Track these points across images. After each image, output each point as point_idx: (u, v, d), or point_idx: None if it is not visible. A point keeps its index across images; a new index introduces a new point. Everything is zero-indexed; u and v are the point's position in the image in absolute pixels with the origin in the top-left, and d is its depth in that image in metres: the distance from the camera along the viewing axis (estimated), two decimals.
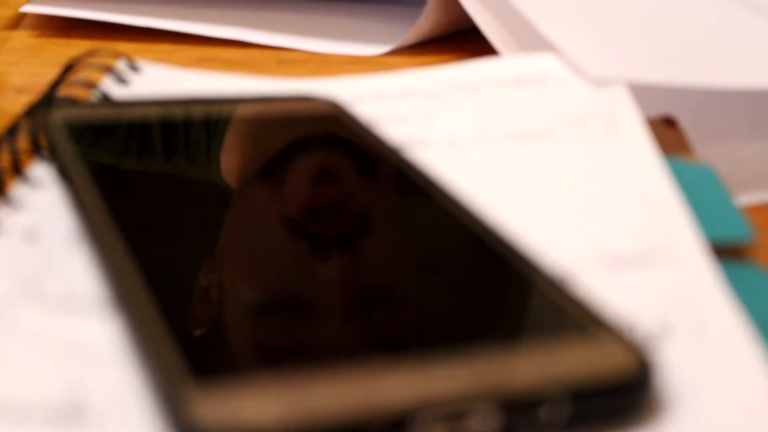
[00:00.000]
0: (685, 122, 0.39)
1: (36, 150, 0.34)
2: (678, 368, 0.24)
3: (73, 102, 0.38)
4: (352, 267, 0.29)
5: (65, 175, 0.31)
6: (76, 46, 0.46)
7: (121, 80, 0.41)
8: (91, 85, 0.40)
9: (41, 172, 0.33)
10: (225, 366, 0.24)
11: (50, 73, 0.41)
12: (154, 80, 0.42)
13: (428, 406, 0.21)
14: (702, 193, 0.33)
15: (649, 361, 0.23)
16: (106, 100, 0.39)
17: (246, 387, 0.21)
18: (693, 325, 0.26)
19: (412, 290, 0.28)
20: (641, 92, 0.39)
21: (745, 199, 0.37)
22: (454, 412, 0.21)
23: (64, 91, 0.39)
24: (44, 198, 0.31)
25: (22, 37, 0.55)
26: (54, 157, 0.32)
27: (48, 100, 0.38)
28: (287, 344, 0.25)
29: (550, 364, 0.22)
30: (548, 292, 0.25)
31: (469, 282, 0.28)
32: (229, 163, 0.35)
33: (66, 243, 0.29)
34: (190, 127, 0.36)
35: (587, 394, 0.22)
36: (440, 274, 0.29)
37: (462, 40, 0.55)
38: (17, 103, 0.39)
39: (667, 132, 0.39)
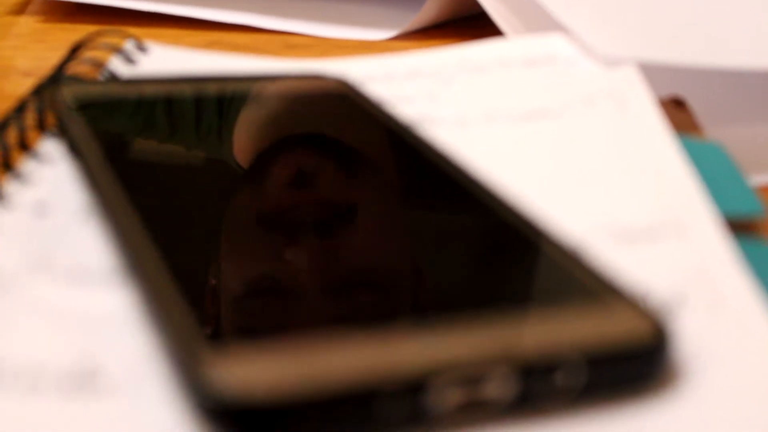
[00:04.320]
0: (695, 103, 0.39)
1: (43, 127, 0.34)
2: (693, 339, 0.24)
3: (80, 80, 0.38)
4: (364, 236, 0.29)
5: (75, 149, 0.31)
6: (82, 31, 0.46)
7: (129, 60, 0.41)
8: (98, 64, 0.40)
9: (49, 148, 0.33)
10: (239, 330, 0.23)
11: (56, 58, 0.41)
12: (162, 61, 0.42)
13: (444, 369, 0.21)
14: (713, 169, 0.33)
15: (665, 329, 0.23)
16: (114, 78, 0.39)
17: (262, 352, 0.21)
18: (708, 297, 0.26)
19: (427, 258, 0.28)
20: (650, 72, 0.39)
21: (755, 179, 0.37)
22: (471, 376, 0.21)
23: (72, 71, 0.39)
24: (53, 173, 0.31)
25: (28, 22, 0.55)
26: (63, 132, 0.32)
27: (56, 78, 0.38)
28: (303, 312, 0.25)
29: (566, 330, 0.22)
30: (562, 261, 0.25)
31: (484, 251, 0.28)
32: (240, 141, 0.35)
33: (76, 216, 0.29)
34: (200, 104, 0.36)
35: (603, 359, 0.22)
36: (457, 243, 0.29)
37: (468, 25, 0.54)
38: (23, 87, 0.39)
39: (677, 112, 0.38)
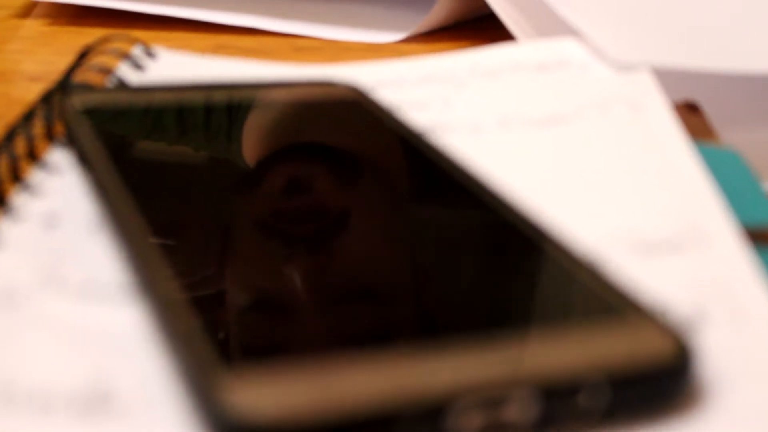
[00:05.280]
0: (708, 107, 0.38)
1: (51, 136, 0.33)
2: (716, 356, 0.24)
3: (89, 87, 0.38)
4: (371, 248, 0.28)
5: (84, 159, 0.31)
6: (88, 35, 0.46)
7: (138, 66, 0.40)
8: (106, 71, 0.40)
9: (58, 157, 0.32)
10: (258, 351, 0.23)
11: (63, 62, 0.40)
12: (171, 66, 0.41)
13: (465, 392, 0.20)
14: (730, 177, 0.33)
15: (689, 347, 0.22)
16: (123, 85, 0.38)
17: (279, 374, 0.20)
18: (730, 311, 0.25)
19: (441, 272, 0.28)
20: (663, 76, 0.38)
21: None
22: (492, 398, 0.20)
23: (80, 77, 0.39)
24: (62, 183, 0.31)
25: (34, 26, 0.55)
26: (72, 141, 0.32)
27: (63, 86, 0.38)
28: (319, 332, 0.24)
29: (587, 349, 0.22)
30: (581, 275, 0.25)
31: (501, 267, 0.27)
32: (251, 150, 0.35)
33: (86, 228, 0.28)
34: (211, 112, 0.36)
35: (627, 380, 0.21)
36: (473, 259, 0.28)
37: (478, 27, 0.54)
38: (30, 92, 0.38)
39: (691, 117, 0.38)
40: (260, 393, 0.20)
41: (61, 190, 0.30)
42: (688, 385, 0.22)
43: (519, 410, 0.21)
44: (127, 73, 0.40)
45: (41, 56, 0.50)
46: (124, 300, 0.25)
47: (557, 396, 0.21)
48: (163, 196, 0.30)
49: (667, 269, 0.27)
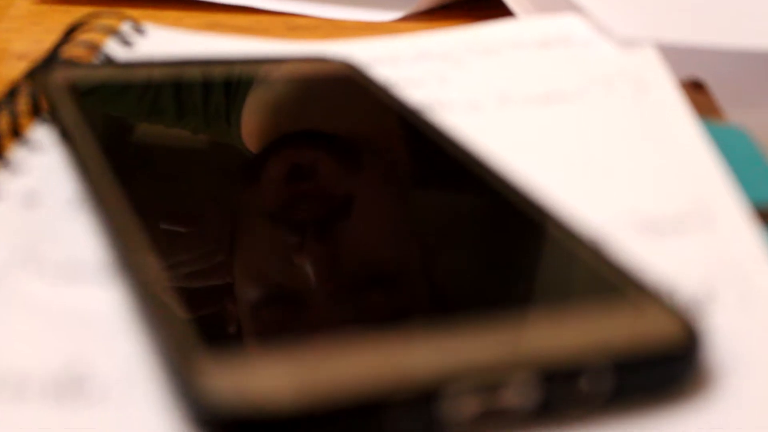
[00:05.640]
0: (714, 85, 0.38)
1: (36, 113, 0.32)
2: (725, 338, 0.22)
3: (74, 63, 0.36)
4: (372, 231, 0.27)
5: (67, 136, 0.30)
6: (79, 13, 0.44)
7: (126, 43, 0.39)
8: (94, 47, 0.38)
9: (41, 135, 0.31)
10: (238, 336, 0.22)
11: (52, 40, 0.39)
12: (160, 43, 0.40)
13: (459, 376, 0.19)
14: (737, 156, 0.31)
15: (697, 329, 0.21)
16: (109, 61, 0.37)
17: (262, 357, 0.19)
18: (739, 292, 0.24)
19: (440, 253, 0.26)
20: (668, 53, 0.37)
21: None
22: (489, 383, 0.19)
23: (67, 54, 0.38)
24: (45, 161, 0.30)
25: (23, 4, 0.53)
26: (55, 118, 0.31)
27: (50, 62, 0.36)
28: (310, 315, 0.23)
29: (591, 332, 0.21)
30: (584, 256, 0.24)
31: (500, 245, 0.26)
32: (246, 131, 0.33)
33: (67, 207, 0.27)
34: (200, 90, 0.35)
35: (632, 363, 0.20)
36: (471, 237, 0.27)
37: (477, 6, 0.53)
38: (18, 70, 0.37)
39: (696, 95, 0.37)
40: (242, 379, 0.19)
41: (43, 168, 0.29)
42: (696, 370, 0.21)
43: (518, 395, 0.19)
44: (115, 49, 0.39)
45: (31, 35, 0.49)
46: (104, 281, 0.24)
47: (558, 380, 0.20)
48: (147, 175, 0.29)
49: (674, 249, 0.26)
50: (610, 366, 0.20)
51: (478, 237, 0.27)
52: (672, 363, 0.21)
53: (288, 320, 0.23)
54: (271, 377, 0.19)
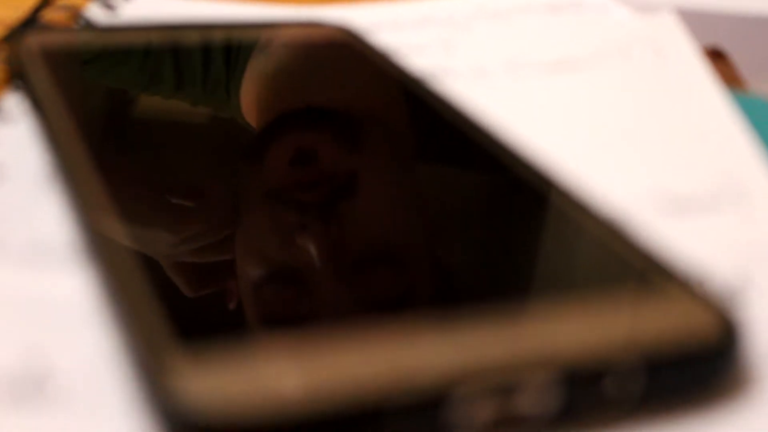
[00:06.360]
0: (736, 54, 0.36)
1: (11, 81, 0.30)
2: (765, 330, 0.20)
3: (49, 28, 0.34)
4: (374, 209, 0.25)
5: (38, 106, 0.27)
6: None
7: (108, 6, 0.37)
8: (75, 11, 0.36)
9: (12, 104, 0.29)
10: (219, 331, 0.19)
11: (31, 5, 0.37)
12: (145, 8, 0.38)
13: (470, 378, 0.17)
14: (762, 126, 0.29)
15: (734, 322, 0.19)
16: (89, 26, 0.35)
17: (245, 357, 0.17)
18: None
19: (447, 236, 0.24)
20: (686, 20, 0.36)
21: None
22: (503, 385, 0.17)
23: (47, 18, 0.35)
24: (13, 132, 0.28)
25: None
26: (27, 86, 0.28)
27: (27, 26, 0.34)
28: (296, 310, 0.21)
29: (616, 326, 0.18)
30: (606, 240, 0.21)
31: (516, 231, 0.24)
32: (247, 100, 0.31)
33: (36, 184, 0.25)
34: (186, 57, 0.32)
35: (663, 362, 0.18)
36: (484, 221, 0.25)
37: None
38: None
39: (716, 64, 0.36)
40: (221, 381, 0.17)
41: (11, 140, 0.27)
42: (734, 368, 0.19)
43: (535, 399, 0.17)
44: (97, 13, 0.36)
45: (9, 1, 0.47)
46: (71, 267, 0.22)
47: (582, 382, 0.17)
48: (126, 152, 0.27)
49: (703, 230, 0.24)
50: (639, 365, 0.18)
51: (490, 218, 0.25)
52: (707, 361, 0.18)
53: (288, 306, 0.21)
54: (254, 380, 0.16)
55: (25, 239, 0.23)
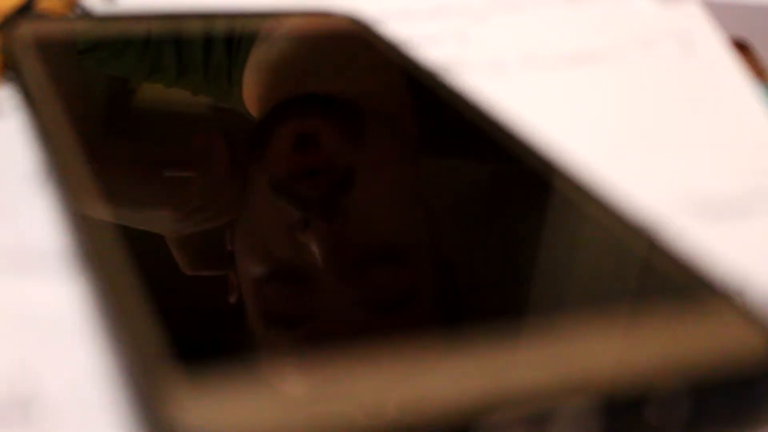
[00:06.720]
0: (761, 46, 0.36)
1: (5, 72, 0.29)
2: None
3: (43, 17, 0.33)
4: (381, 207, 0.24)
5: (30, 100, 0.26)
6: None
7: None
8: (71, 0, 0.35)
9: (4, 97, 0.28)
10: (220, 350, 0.18)
11: None
12: None
13: (499, 406, 0.15)
14: None
15: None
16: (86, 15, 0.34)
17: (250, 381, 0.16)
18: None
19: (468, 250, 0.23)
20: (710, 12, 0.35)
21: None
22: (536, 415, 0.15)
23: (43, 6, 0.34)
24: (3, 128, 0.26)
25: None
26: (19, 78, 0.27)
27: (22, 14, 0.33)
28: (298, 309, 0.20)
29: (658, 347, 0.17)
30: (637, 248, 0.20)
31: (534, 234, 0.22)
32: (249, 89, 0.30)
33: (25, 183, 0.24)
34: (187, 48, 0.31)
35: (709, 386, 0.16)
36: (501, 223, 0.23)
37: None
38: None
39: (740, 56, 0.34)
40: (223, 407, 0.15)
41: (1, 136, 0.26)
42: None
43: (572, 430, 0.16)
44: (94, 2, 0.35)
45: None
46: (62, 275, 0.20)
47: (621, 410, 0.16)
48: (122, 145, 0.26)
49: (737, 236, 0.23)
50: (683, 390, 0.16)
51: (512, 221, 0.23)
52: (757, 384, 0.17)
53: (289, 304, 0.20)
54: (259, 406, 0.15)
55: (11, 243, 0.21)
